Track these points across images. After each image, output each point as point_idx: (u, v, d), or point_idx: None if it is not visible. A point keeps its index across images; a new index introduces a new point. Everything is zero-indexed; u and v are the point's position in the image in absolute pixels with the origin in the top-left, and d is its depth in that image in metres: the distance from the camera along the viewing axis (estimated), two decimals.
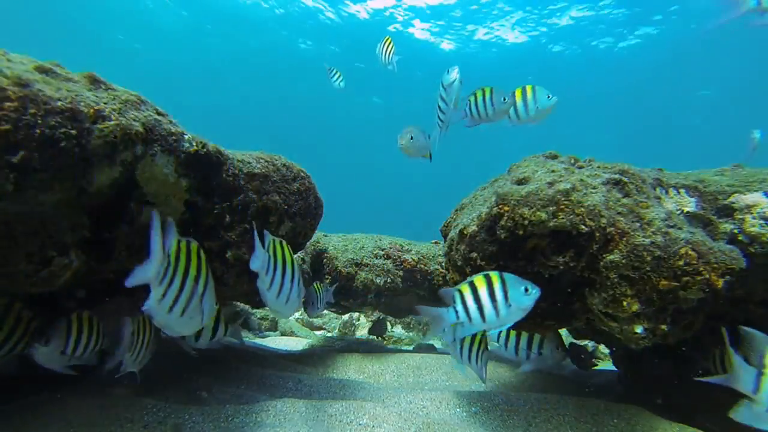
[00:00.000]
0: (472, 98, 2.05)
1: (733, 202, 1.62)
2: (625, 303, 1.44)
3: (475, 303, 1.39)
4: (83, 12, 14.01)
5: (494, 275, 1.39)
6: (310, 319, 4.69)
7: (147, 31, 15.26)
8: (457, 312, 1.41)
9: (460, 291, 1.41)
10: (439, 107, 2.14)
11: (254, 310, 4.27)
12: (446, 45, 14.81)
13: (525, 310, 1.37)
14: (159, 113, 1.39)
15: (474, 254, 1.72)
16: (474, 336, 1.80)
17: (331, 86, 4.18)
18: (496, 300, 1.37)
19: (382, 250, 3.38)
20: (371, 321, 4.43)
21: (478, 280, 1.40)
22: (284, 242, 1.44)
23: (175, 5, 13.95)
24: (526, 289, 1.35)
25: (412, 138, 2.33)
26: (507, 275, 1.39)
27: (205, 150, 1.50)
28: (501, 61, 14.86)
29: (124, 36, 15.63)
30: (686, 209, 1.66)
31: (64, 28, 14.57)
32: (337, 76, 4.15)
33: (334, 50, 15.88)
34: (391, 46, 3.48)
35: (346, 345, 3.54)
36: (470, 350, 1.82)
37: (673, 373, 1.95)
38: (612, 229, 1.47)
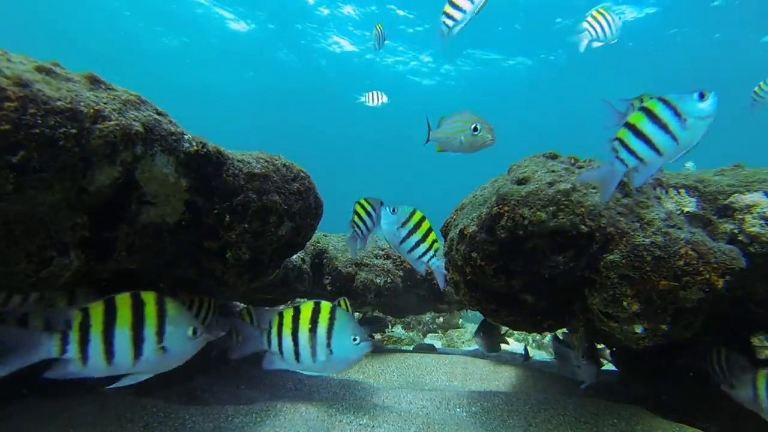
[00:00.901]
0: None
1: (733, 202, 1.62)
2: (625, 303, 1.44)
3: (640, 140, 1.16)
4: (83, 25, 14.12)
5: (650, 103, 1.15)
6: None
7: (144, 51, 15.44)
8: (623, 160, 1.19)
9: (619, 138, 1.20)
10: (452, 2, 1.83)
11: None
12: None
13: (708, 117, 1.09)
14: (159, 113, 1.39)
15: (474, 254, 1.72)
16: (424, 238, 1.66)
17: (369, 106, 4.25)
18: (666, 124, 1.11)
19: (382, 250, 3.38)
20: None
21: (635, 117, 1.17)
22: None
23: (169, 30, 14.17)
24: (702, 95, 1.08)
25: (476, 130, 1.79)
26: (668, 95, 1.13)
27: (205, 150, 1.50)
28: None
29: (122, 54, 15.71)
30: (686, 209, 1.66)
31: (65, 39, 14.65)
32: (375, 98, 4.20)
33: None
34: (381, 31, 3.92)
35: None
36: (417, 248, 1.66)
37: (674, 373, 1.95)
38: (612, 229, 1.47)
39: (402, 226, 1.66)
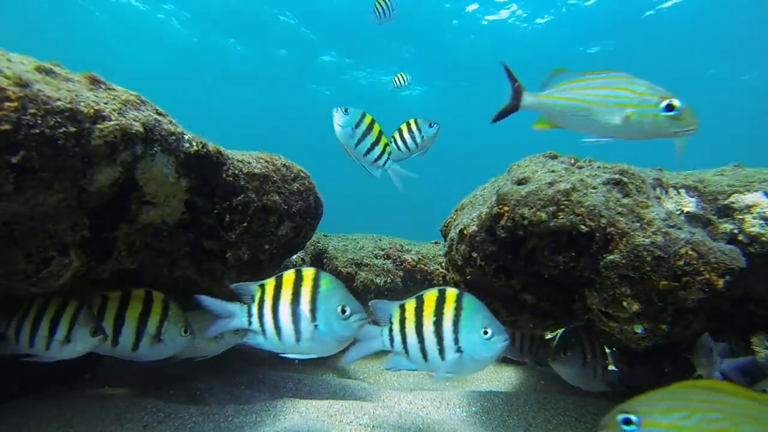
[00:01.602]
0: None
1: (733, 202, 1.62)
2: (625, 303, 1.44)
3: None
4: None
5: None
6: None
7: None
8: None
9: None
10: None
11: None
12: None
13: None
14: (159, 113, 1.39)
15: (474, 254, 1.72)
16: (378, 141, 1.58)
17: (399, 90, 4.34)
18: None
19: (382, 250, 3.38)
20: None
21: None
22: None
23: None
24: None
25: (672, 110, 1.10)
26: None
27: (205, 150, 1.50)
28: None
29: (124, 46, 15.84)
30: (686, 209, 1.66)
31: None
32: (400, 80, 4.28)
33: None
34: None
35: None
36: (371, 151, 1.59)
37: (673, 373, 1.95)
38: (612, 229, 1.47)
39: (356, 127, 1.58)
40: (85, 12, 13.49)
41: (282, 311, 1.20)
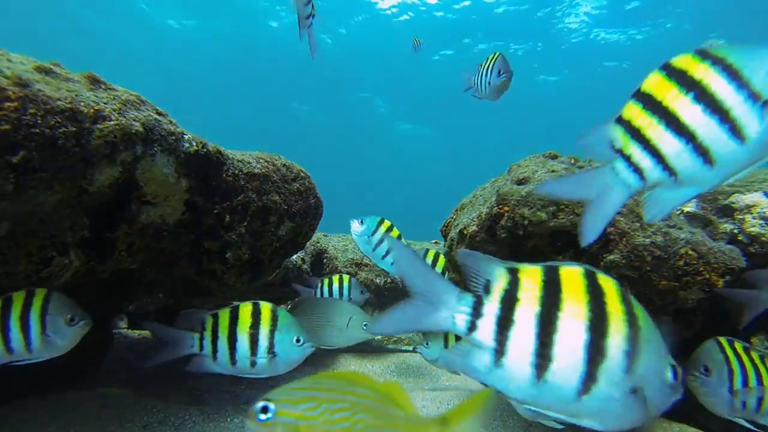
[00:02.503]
0: None
1: (733, 202, 1.62)
2: None
3: None
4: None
5: None
6: None
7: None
8: None
9: None
10: None
11: None
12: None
13: None
14: (159, 113, 1.39)
15: None
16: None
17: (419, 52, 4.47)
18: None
19: None
20: None
21: None
22: None
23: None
24: None
25: None
26: None
27: (205, 150, 1.50)
28: None
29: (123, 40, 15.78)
30: (686, 209, 1.66)
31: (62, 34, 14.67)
32: (416, 44, 4.37)
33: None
34: None
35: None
36: None
37: None
38: (612, 229, 1.47)
39: (372, 235, 1.77)
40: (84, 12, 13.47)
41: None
